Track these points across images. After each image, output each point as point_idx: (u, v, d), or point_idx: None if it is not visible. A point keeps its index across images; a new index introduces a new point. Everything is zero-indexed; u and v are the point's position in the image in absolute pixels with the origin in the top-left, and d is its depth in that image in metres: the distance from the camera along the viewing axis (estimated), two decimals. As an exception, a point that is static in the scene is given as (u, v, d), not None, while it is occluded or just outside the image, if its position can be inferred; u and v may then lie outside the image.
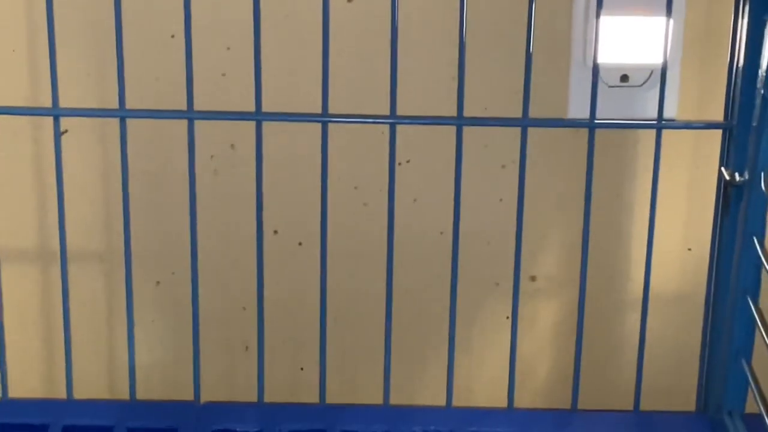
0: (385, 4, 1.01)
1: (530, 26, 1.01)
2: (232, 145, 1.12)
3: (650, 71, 1.09)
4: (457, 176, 1.04)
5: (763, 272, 1.02)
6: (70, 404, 1.11)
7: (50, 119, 1.06)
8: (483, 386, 1.21)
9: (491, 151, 1.13)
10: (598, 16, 1.02)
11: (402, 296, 1.15)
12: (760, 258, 1.00)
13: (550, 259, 1.17)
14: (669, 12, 1.02)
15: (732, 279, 1.04)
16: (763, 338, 0.98)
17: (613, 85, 1.10)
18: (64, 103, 1.05)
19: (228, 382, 1.21)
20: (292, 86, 1.10)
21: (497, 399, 1.17)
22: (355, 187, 1.13)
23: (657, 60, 1.05)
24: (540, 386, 1.22)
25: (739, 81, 1.01)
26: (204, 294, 1.11)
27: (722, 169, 1.04)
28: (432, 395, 1.20)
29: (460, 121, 1.04)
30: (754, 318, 1.01)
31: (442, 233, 1.13)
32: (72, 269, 1.13)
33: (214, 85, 1.11)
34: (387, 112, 1.04)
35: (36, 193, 1.15)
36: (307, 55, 1.10)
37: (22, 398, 1.12)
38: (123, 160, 1.05)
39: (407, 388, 1.20)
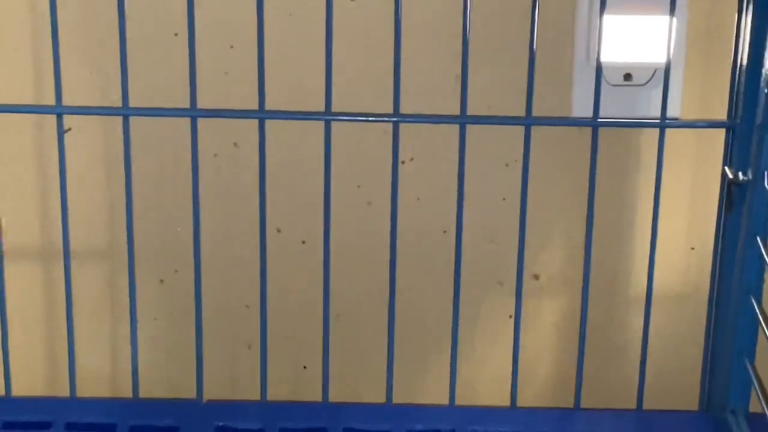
0: (389, 2, 1.01)
1: (533, 25, 1.01)
2: (235, 144, 1.12)
3: (653, 70, 1.10)
4: (460, 175, 1.04)
5: (767, 272, 1.02)
6: (73, 402, 1.11)
7: (53, 117, 1.06)
8: (486, 385, 1.21)
9: (495, 149, 1.14)
10: (601, 14, 1.03)
11: (405, 294, 1.15)
12: (763, 257, 1.01)
13: (554, 257, 1.17)
14: (672, 11, 1.02)
15: (735, 278, 1.04)
16: (766, 337, 0.97)
17: (616, 84, 1.10)
18: (67, 101, 1.05)
19: (231, 380, 1.21)
20: (295, 85, 1.10)
21: (500, 398, 1.18)
22: (359, 186, 1.13)
23: (660, 59, 1.05)
24: (543, 385, 1.22)
25: (742, 80, 1.01)
26: (207, 292, 1.11)
27: (725, 168, 1.04)
28: (435, 394, 1.20)
29: (463, 119, 1.04)
30: (758, 317, 1.01)
31: (445, 232, 1.13)
32: (75, 267, 1.13)
33: (218, 83, 1.11)
34: (390, 111, 1.03)
35: (39, 190, 1.15)
36: (310, 53, 1.10)
37: (25, 396, 1.13)
38: (126, 158, 1.05)
39: (410, 386, 1.20)
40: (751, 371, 1.03)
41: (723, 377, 1.07)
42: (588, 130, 1.07)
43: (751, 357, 1.03)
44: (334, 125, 1.04)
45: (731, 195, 1.04)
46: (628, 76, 1.10)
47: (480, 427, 1.10)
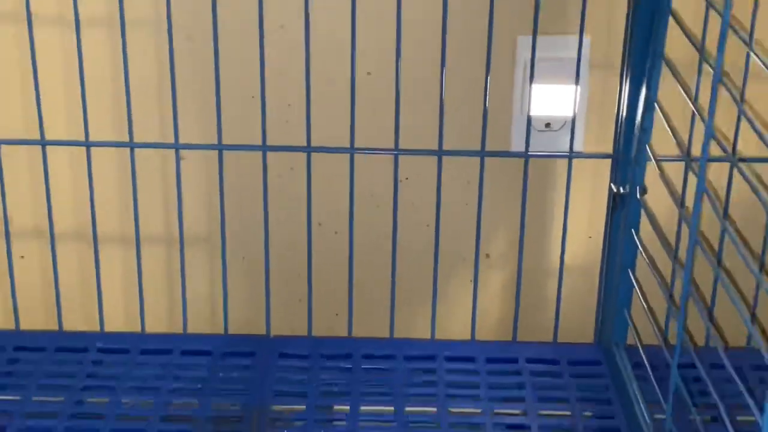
0: (390, 72, 1.12)
1: (486, 90, 1.12)
2: (292, 168, 1.22)
3: (564, 120, 1.19)
4: (438, 189, 1.16)
5: (639, 253, 1.11)
6: (185, 336, 1.20)
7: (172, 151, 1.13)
8: (455, 325, 1.28)
9: (461, 172, 1.20)
10: (531, 83, 1.13)
11: (402, 264, 1.22)
12: (635, 243, 1.11)
13: (500, 242, 1.25)
14: (577, 81, 1.13)
15: (618, 257, 1.15)
16: (639, 296, 1.11)
17: (540, 129, 1.19)
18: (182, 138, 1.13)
19: (289, 322, 1.28)
20: (323, 125, 1.17)
21: (464, 333, 1.26)
22: (371, 195, 1.23)
23: (569, 113, 1.15)
24: (493, 325, 1.29)
25: (623, 126, 1.11)
26: (274, 264, 1.20)
27: (611, 184, 1.15)
28: (421, 330, 1.26)
29: (440, 152, 1.14)
30: (632, 283, 1.13)
31: (428, 225, 1.23)
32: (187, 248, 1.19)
33: (277, 125, 1.17)
34: (392, 146, 1.14)
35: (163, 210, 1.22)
36: (333, 103, 1.17)
37: (149, 333, 1.20)
38: (221, 185, 1.14)
39: (405, 326, 1.27)
40: (627, 317, 1.14)
41: (610, 321, 1.18)
42: (521, 161, 1.16)
43: (629, 308, 1.14)
44: (356, 156, 1.15)
45: (615, 202, 1.14)
46: (548, 124, 1.19)
47: (450, 353, 1.19)
